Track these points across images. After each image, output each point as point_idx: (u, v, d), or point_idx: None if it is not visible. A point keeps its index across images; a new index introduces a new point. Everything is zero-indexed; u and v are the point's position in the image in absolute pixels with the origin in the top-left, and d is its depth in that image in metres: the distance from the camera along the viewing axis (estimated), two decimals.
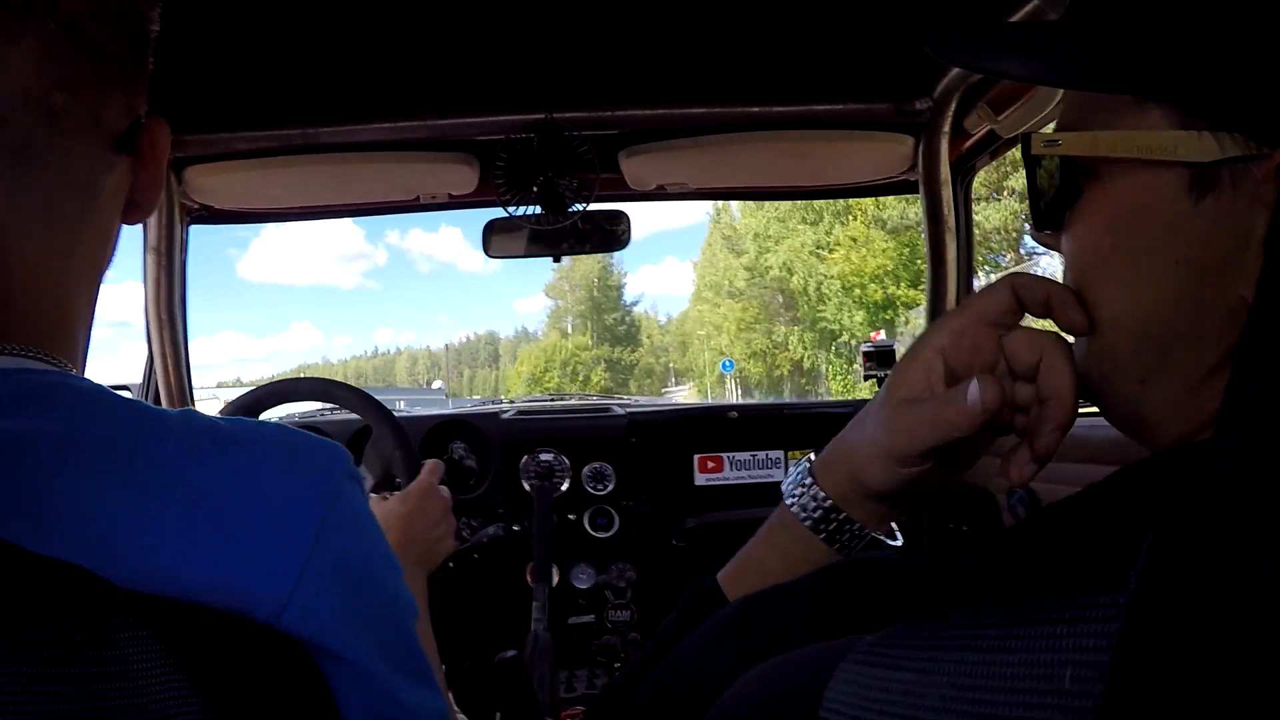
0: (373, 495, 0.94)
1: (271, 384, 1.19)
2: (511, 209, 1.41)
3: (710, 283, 34.14)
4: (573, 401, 2.04)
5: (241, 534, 0.39)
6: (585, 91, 1.30)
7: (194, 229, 1.54)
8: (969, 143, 1.42)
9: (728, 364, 30.55)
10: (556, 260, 1.56)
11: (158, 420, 0.40)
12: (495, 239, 1.52)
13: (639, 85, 1.29)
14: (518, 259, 1.57)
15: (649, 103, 1.35)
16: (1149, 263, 0.33)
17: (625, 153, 1.43)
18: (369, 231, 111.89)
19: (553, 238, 1.48)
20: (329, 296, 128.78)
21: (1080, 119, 0.36)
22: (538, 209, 1.41)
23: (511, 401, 2.12)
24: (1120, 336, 0.36)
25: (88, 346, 0.49)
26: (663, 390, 46.51)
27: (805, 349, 26.97)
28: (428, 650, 0.64)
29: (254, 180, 1.43)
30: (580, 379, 45.13)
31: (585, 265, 48.56)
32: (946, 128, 1.37)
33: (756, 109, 1.36)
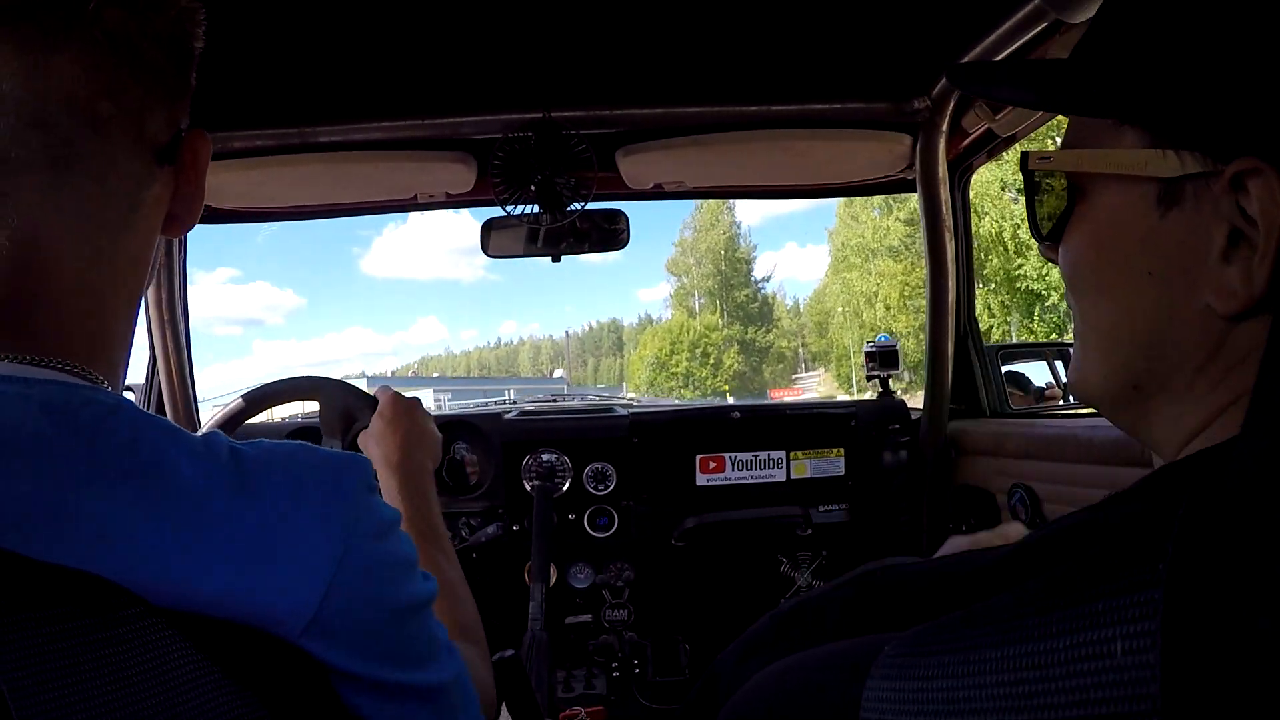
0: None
1: (229, 406, 1.20)
2: (509, 208, 1.41)
3: (855, 246, 29.60)
4: (575, 402, 2.05)
5: (264, 565, 0.39)
6: (583, 90, 1.30)
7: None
8: (966, 141, 1.41)
9: (885, 339, 27.21)
10: (556, 260, 1.55)
11: (181, 442, 0.40)
12: (493, 238, 1.52)
13: (637, 84, 1.29)
14: (517, 258, 1.57)
15: (647, 102, 1.35)
16: (1126, 274, 0.36)
17: (623, 151, 1.43)
18: None
19: (551, 237, 1.48)
20: (451, 290, 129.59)
21: (1074, 140, 0.39)
22: (536, 208, 1.41)
23: (514, 402, 2.12)
24: (1108, 344, 0.38)
25: (128, 360, 0.49)
26: (794, 378, 43.05)
27: (994, 316, 21.32)
28: (450, 595, 0.67)
29: (252, 179, 1.44)
30: (711, 362, 41.01)
31: (711, 236, 44.68)
32: (944, 126, 1.37)
33: (754, 108, 1.35)
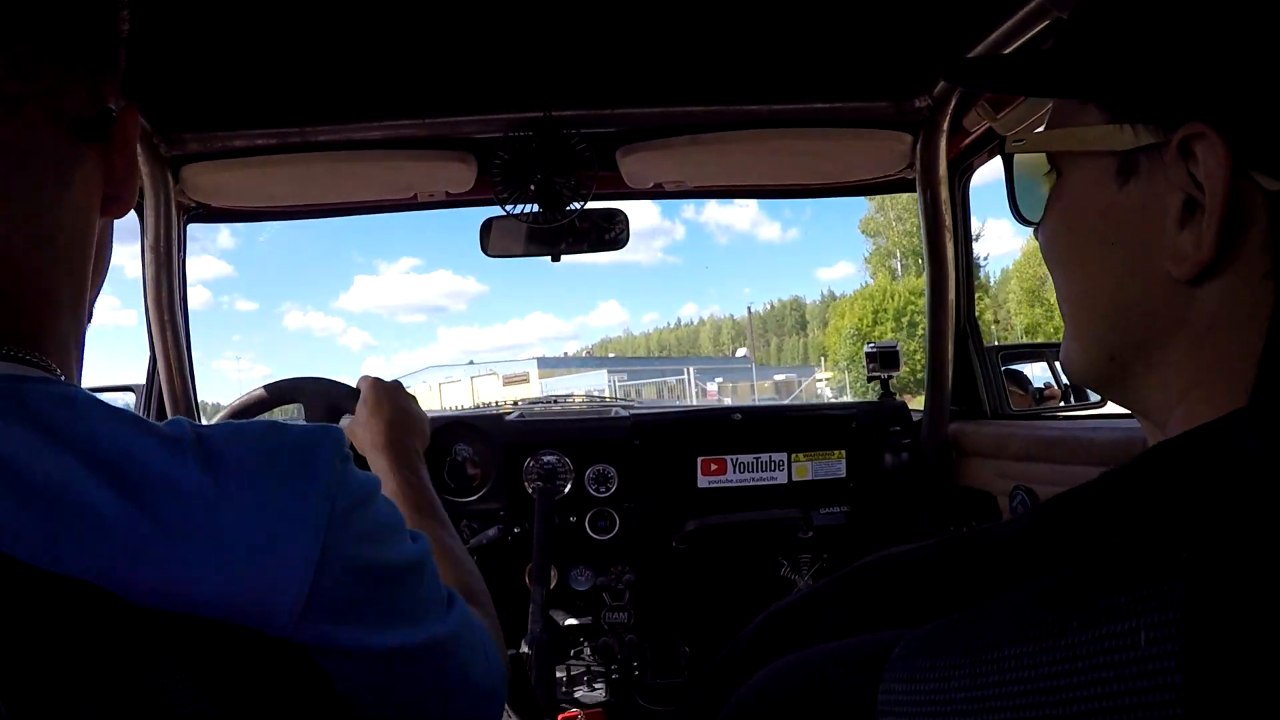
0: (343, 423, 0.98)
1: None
2: (509, 207, 1.40)
3: None
4: (576, 404, 2.04)
5: (248, 554, 0.38)
6: (583, 90, 1.30)
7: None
8: (967, 140, 1.41)
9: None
10: (555, 259, 1.55)
11: (144, 431, 0.39)
12: (493, 237, 1.51)
13: (637, 84, 1.29)
14: (519, 257, 1.56)
15: (647, 101, 1.35)
16: (1091, 245, 0.38)
17: (623, 151, 1.43)
18: (664, 207, 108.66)
19: (551, 236, 1.48)
20: (631, 273, 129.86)
21: (1049, 124, 0.41)
22: (535, 207, 1.40)
23: (515, 404, 2.12)
24: (1082, 316, 0.39)
25: (82, 351, 0.48)
26: None
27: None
28: (455, 565, 0.66)
29: (251, 179, 1.44)
30: (921, 331, 38.85)
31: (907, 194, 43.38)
32: (945, 126, 1.36)
33: (754, 107, 1.35)
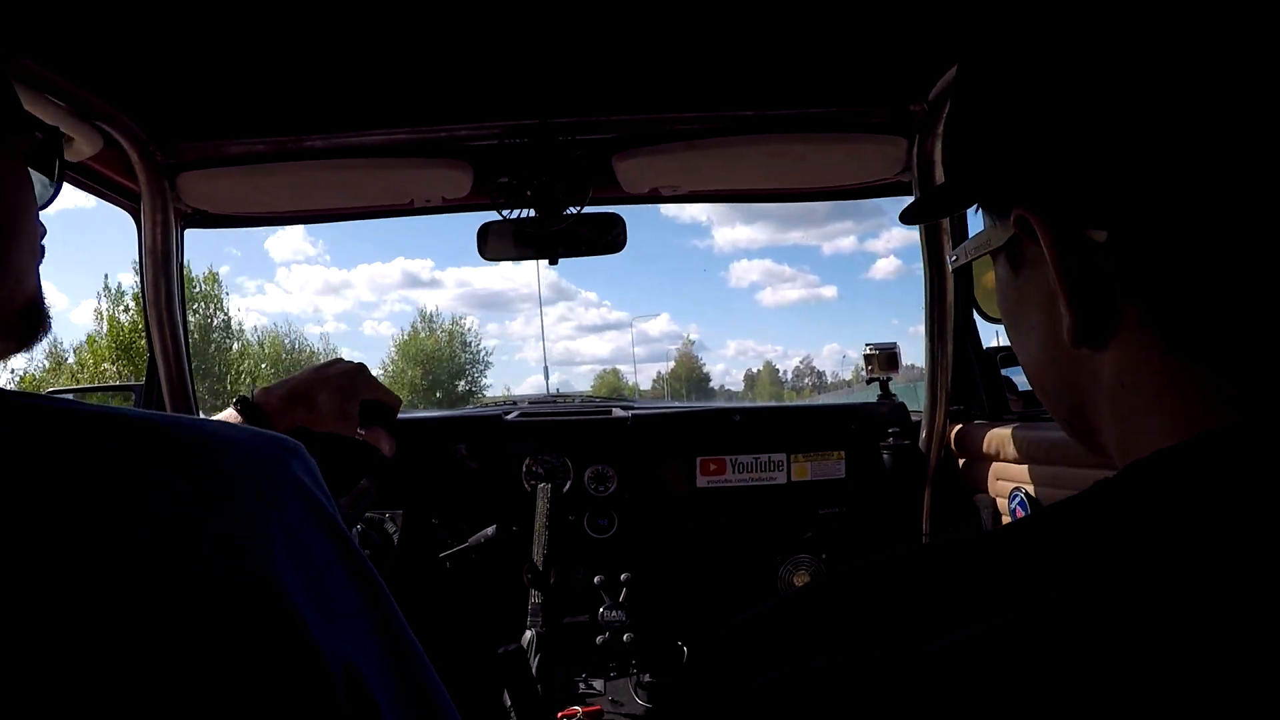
0: None
1: None
2: (506, 212, 1.40)
3: None
4: (576, 404, 2.04)
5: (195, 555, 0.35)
6: (579, 96, 1.30)
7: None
8: None
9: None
10: (553, 264, 1.55)
11: (90, 424, 0.37)
12: (490, 242, 1.52)
13: (633, 89, 1.29)
14: (513, 261, 1.57)
15: (642, 107, 1.34)
16: (1023, 331, 0.40)
17: (619, 156, 1.43)
18: None
19: (547, 241, 1.48)
20: None
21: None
22: (532, 212, 1.40)
23: (515, 402, 2.12)
24: (1041, 395, 0.42)
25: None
26: None
27: None
28: None
29: (248, 186, 1.44)
30: None
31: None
32: (941, 129, 1.36)
33: (750, 112, 1.35)
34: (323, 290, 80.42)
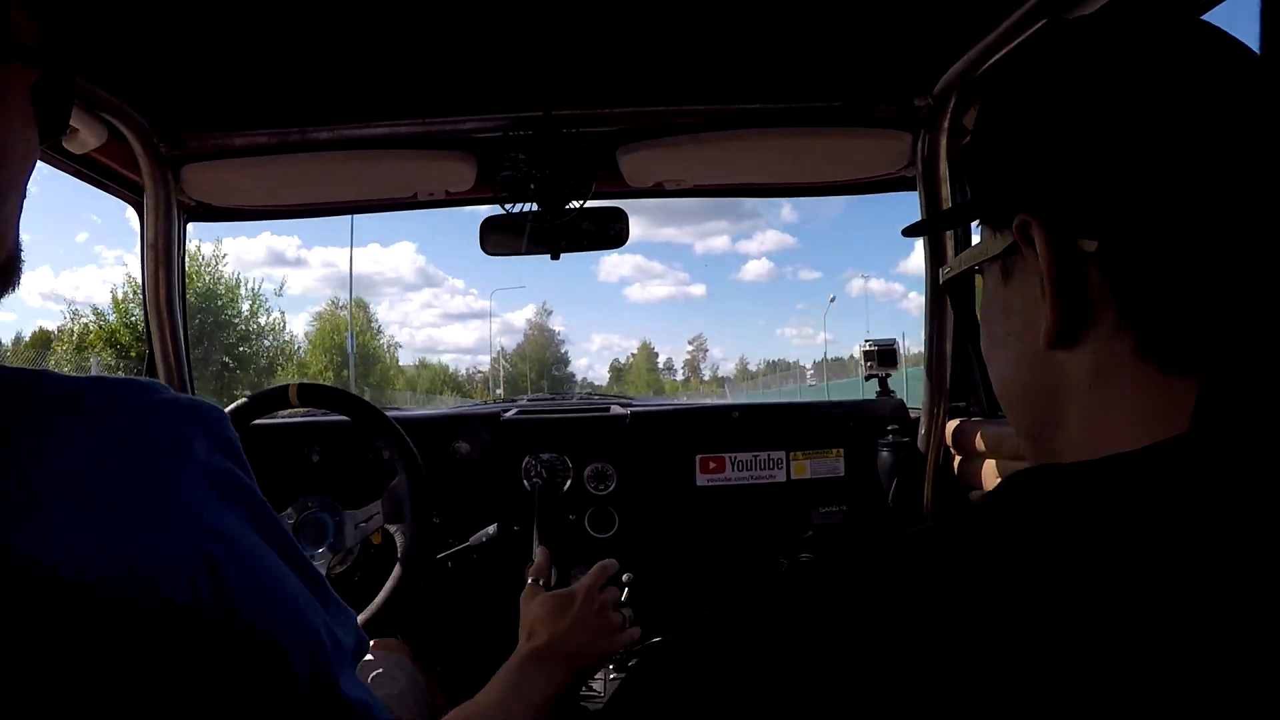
0: (530, 586, 0.93)
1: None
2: (509, 206, 1.40)
3: None
4: (575, 401, 2.04)
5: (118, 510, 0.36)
6: (583, 89, 1.30)
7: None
8: (967, 139, 1.41)
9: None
10: (555, 258, 1.55)
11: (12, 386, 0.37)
12: (493, 236, 1.51)
13: (637, 82, 1.29)
14: (516, 256, 1.56)
15: (647, 100, 1.34)
16: (997, 340, 0.44)
17: (623, 150, 1.43)
18: None
19: (551, 235, 1.48)
20: None
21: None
22: (535, 206, 1.40)
23: (514, 401, 2.12)
24: (1007, 404, 0.45)
25: None
26: None
27: None
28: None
29: (251, 178, 1.44)
30: None
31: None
32: (946, 124, 1.36)
33: (755, 106, 1.35)
34: None
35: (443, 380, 52.54)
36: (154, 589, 0.36)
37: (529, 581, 0.94)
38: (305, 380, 1.46)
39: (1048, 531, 0.32)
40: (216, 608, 0.37)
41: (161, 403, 0.40)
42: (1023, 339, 0.41)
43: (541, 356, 54.50)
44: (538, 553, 0.98)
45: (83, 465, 0.36)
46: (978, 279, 0.50)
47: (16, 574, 0.33)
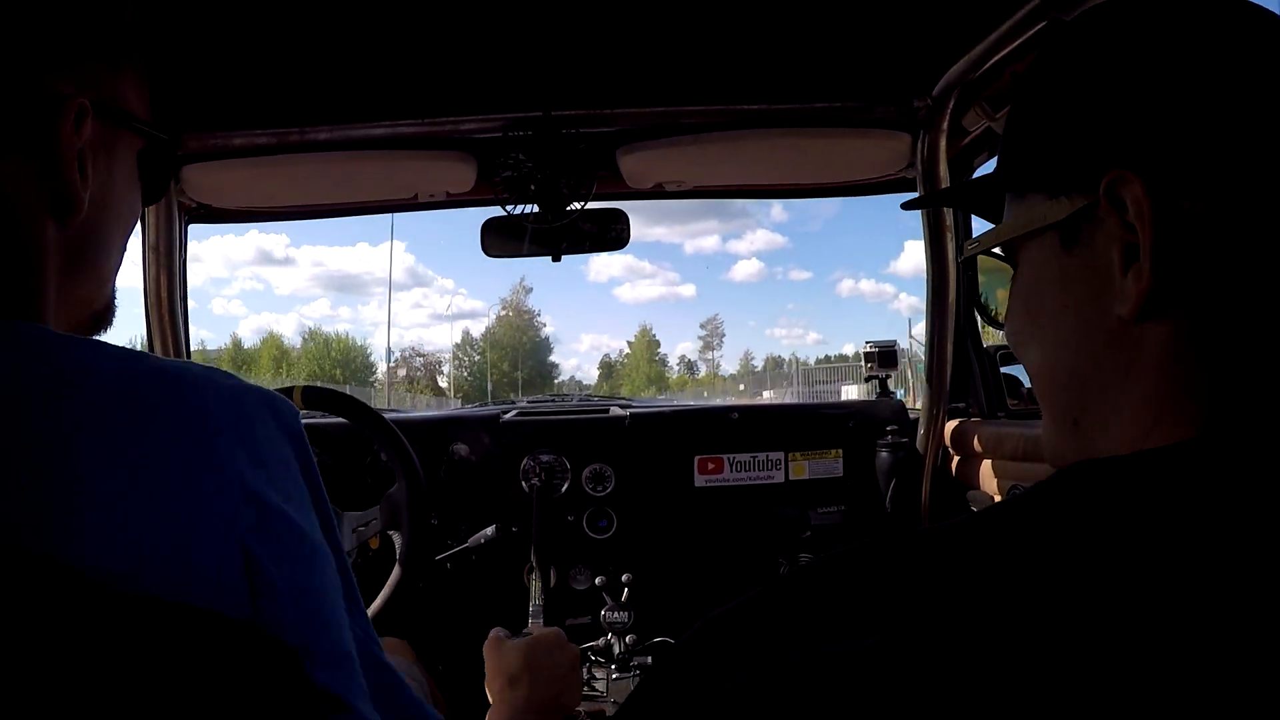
0: (496, 636, 0.92)
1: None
2: (509, 208, 1.40)
3: None
4: (574, 403, 2.04)
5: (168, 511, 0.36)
6: (583, 90, 1.30)
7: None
8: (967, 140, 1.41)
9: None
10: (556, 260, 1.55)
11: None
12: (493, 238, 1.52)
13: (637, 83, 1.29)
14: (518, 258, 1.56)
15: (647, 101, 1.35)
16: (1047, 316, 0.40)
17: (623, 151, 1.43)
18: None
19: (551, 237, 1.48)
20: None
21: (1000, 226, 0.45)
22: (535, 208, 1.40)
23: (513, 402, 2.12)
24: (1048, 389, 0.41)
25: None
26: None
27: None
28: None
29: (252, 179, 1.44)
30: None
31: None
32: (945, 126, 1.36)
33: (755, 107, 1.35)
34: None
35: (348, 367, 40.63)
36: (198, 581, 0.36)
37: (492, 634, 0.92)
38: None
39: (1095, 527, 0.31)
40: (251, 606, 0.37)
41: (236, 387, 0.41)
42: (1082, 311, 0.38)
43: (518, 342, 46.51)
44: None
45: (140, 449, 0.36)
46: (980, 259, 0.47)
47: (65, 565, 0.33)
